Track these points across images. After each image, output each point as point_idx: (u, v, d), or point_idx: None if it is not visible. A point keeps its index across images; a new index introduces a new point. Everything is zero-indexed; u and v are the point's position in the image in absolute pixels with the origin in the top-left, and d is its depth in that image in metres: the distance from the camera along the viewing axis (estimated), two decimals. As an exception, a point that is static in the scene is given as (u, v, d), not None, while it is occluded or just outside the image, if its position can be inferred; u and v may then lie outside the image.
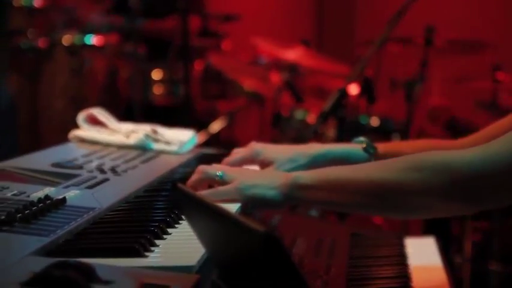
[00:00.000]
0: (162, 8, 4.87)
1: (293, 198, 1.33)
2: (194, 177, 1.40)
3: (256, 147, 1.62)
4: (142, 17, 4.47)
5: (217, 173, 1.38)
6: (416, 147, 1.65)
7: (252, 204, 1.34)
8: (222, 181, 1.37)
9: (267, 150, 1.61)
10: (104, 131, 1.96)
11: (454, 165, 1.20)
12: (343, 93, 2.78)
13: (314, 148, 1.62)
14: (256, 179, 1.35)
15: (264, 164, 1.60)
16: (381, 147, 1.65)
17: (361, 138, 1.64)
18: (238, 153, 1.65)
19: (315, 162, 1.57)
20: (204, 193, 1.36)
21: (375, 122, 3.79)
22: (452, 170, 1.19)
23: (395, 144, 1.70)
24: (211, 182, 1.39)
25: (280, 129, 4.11)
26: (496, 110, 3.58)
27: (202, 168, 1.41)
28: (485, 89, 3.79)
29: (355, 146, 1.64)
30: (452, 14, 4.99)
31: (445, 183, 1.20)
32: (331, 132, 3.63)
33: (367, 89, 3.34)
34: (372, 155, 1.61)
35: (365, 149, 1.61)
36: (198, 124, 4.70)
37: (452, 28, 3.84)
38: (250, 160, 1.62)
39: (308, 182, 1.31)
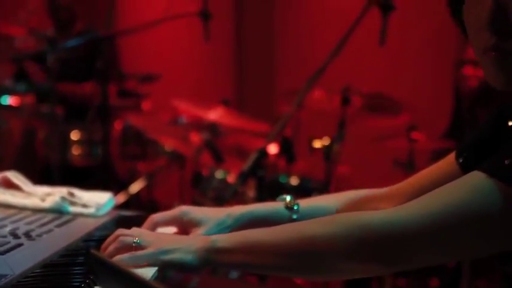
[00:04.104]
0: (80, 72, 4.84)
1: (211, 262, 1.32)
2: (111, 247, 1.38)
3: (183, 208, 1.61)
4: (59, 81, 4.43)
5: (135, 240, 1.36)
6: (340, 199, 1.67)
7: (170, 268, 1.33)
8: (140, 247, 1.35)
9: (193, 211, 1.60)
10: (18, 195, 1.92)
11: (366, 226, 1.20)
12: (263, 153, 2.80)
13: (238, 209, 1.62)
14: (174, 244, 1.33)
15: (190, 225, 1.59)
16: (304, 202, 1.66)
17: (284, 196, 1.65)
18: (164, 213, 1.63)
19: (240, 222, 1.58)
20: (122, 257, 1.34)
21: (294, 181, 3.81)
22: (364, 230, 1.20)
23: (319, 199, 1.72)
24: (129, 249, 1.36)
25: (201, 189, 4.09)
26: (412, 169, 3.66)
27: (120, 235, 1.39)
28: (401, 148, 3.87)
29: (279, 204, 1.65)
30: (369, 75, 5.11)
31: (357, 243, 1.20)
32: (251, 191, 3.64)
33: (287, 149, 3.38)
34: (295, 211, 1.62)
35: (287, 207, 1.63)
36: (118, 185, 4.66)
37: (369, 88, 3.92)
38: (177, 220, 1.61)
39: (225, 245, 1.30)
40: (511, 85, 1.25)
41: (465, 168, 1.48)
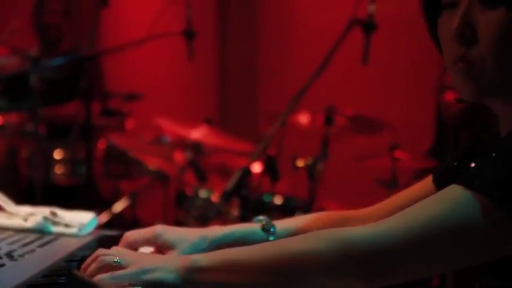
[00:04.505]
0: (63, 90, 4.84)
1: (192, 281, 1.31)
2: (92, 267, 1.37)
3: (158, 229, 1.61)
4: (43, 102, 4.41)
5: (115, 259, 1.35)
6: (316, 220, 1.68)
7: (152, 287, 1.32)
8: (120, 266, 1.34)
9: (168, 233, 1.60)
10: (0, 215, 1.91)
11: (348, 240, 1.22)
12: (246, 172, 2.81)
13: (214, 231, 1.63)
14: (155, 263, 1.33)
15: (164, 247, 1.59)
16: (281, 224, 1.67)
17: (260, 217, 1.66)
18: (138, 232, 1.64)
19: (216, 245, 1.58)
20: (102, 277, 1.33)
21: (278, 200, 3.81)
22: (346, 245, 1.21)
23: (297, 220, 1.73)
24: (109, 269, 1.36)
25: (184, 209, 4.09)
26: (395, 188, 3.67)
27: (100, 255, 1.38)
28: (384, 167, 3.89)
29: (255, 226, 1.65)
30: (352, 94, 5.13)
31: (340, 258, 1.21)
32: (235, 211, 3.64)
33: (270, 168, 3.39)
34: (271, 233, 1.63)
35: (263, 228, 1.63)
36: (102, 204, 4.63)
37: (352, 108, 3.94)
38: (151, 242, 1.61)
39: (206, 264, 1.30)
40: (478, 96, 1.33)
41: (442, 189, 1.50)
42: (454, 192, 1.21)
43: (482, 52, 1.27)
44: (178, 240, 1.58)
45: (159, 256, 1.44)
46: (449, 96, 3.95)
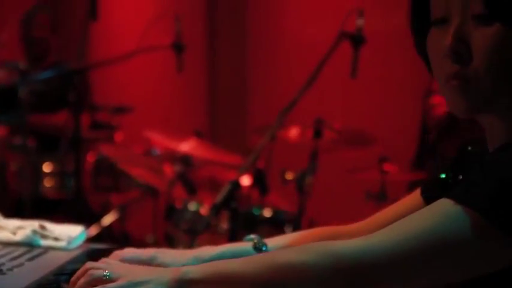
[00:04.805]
0: (52, 103, 4.83)
1: None
2: (82, 281, 1.36)
3: (152, 252, 1.62)
4: (31, 112, 4.41)
5: (105, 273, 1.35)
6: (308, 237, 1.69)
7: None
8: (110, 280, 1.34)
9: (162, 255, 1.61)
10: (-11, 228, 1.91)
11: (338, 253, 1.22)
12: (235, 185, 2.80)
13: (207, 251, 1.64)
14: (145, 276, 1.33)
15: None
16: (272, 241, 1.67)
17: (252, 236, 1.66)
18: (133, 252, 1.63)
19: None
20: None
21: (267, 213, 3.81)
22: (337, 258, 1.21)
23: (286, 237, 1.73)
24: (99, 282, 1.35)
25: (174, 221, 4.08)
26: (384, 201, 3.68)
27: (89, 268, 1.38)
28: (373, 179, 3.89)
29: (246, 245, 1.66)
30: (341, 107, 5.15)
31: (329, 271, 1.21)
32: (224, 224, 3.63)
33: (260, 181, 3.39)
34: (263, 251, 1.63)
35: (255, 247, 1.64)
36: (91, 217, 4.62)
37: (341, 121, 3.95)
38: (145, 264, 1.61)
39: (196, 276, 1.29)
40: (471, 112, 1.31)
41: (430, 202, 1.51)
42: (444, 207, 1.21)
43: (477, 68, 1.25)
44: (172, 263, 1.58)
45: (150, 268, 1.43)
46: (435, 100, 3.96)
